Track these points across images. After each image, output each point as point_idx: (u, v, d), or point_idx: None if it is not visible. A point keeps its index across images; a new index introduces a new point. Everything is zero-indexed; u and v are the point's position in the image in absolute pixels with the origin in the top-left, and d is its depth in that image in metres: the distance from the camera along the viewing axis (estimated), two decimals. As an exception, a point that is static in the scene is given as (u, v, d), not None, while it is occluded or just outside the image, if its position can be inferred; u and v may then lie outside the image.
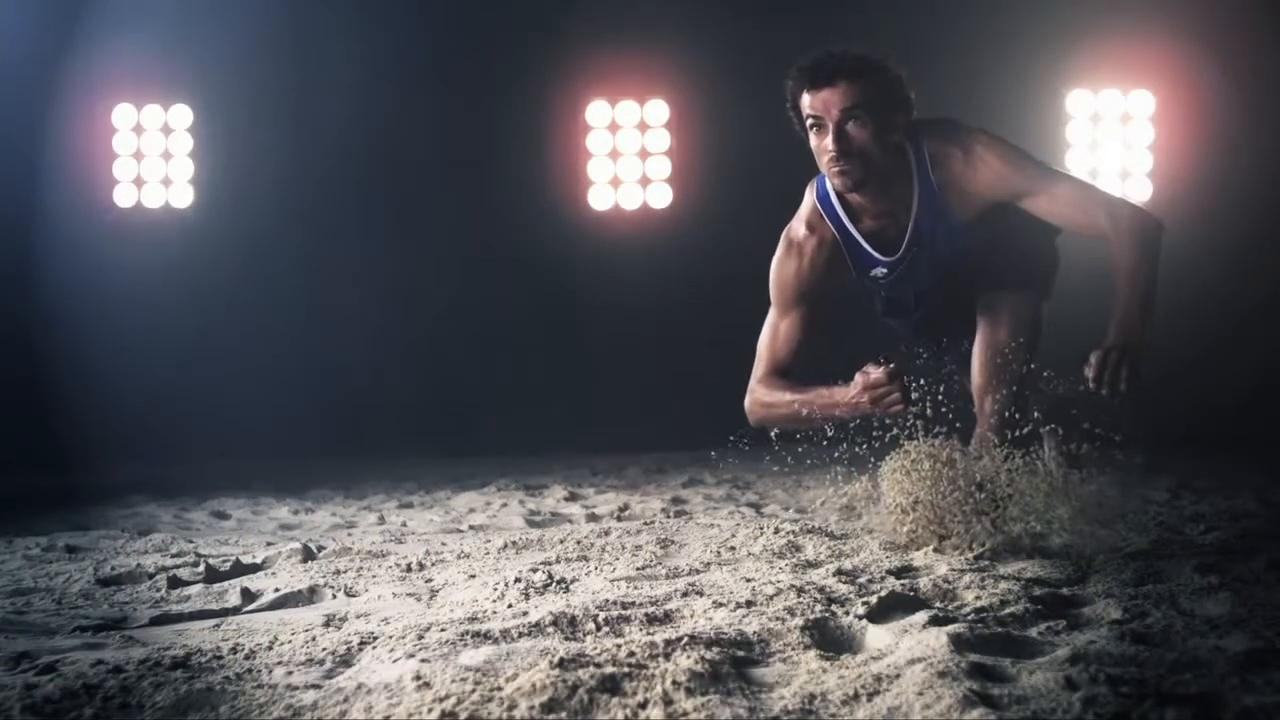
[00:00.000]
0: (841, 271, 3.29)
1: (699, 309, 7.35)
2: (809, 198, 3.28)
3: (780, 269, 3.30)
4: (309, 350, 7.38)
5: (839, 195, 3.18)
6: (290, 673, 2.06)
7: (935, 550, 3.05)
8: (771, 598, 2.52)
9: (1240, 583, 2.69)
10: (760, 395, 3.29)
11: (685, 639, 2.11)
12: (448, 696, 1.80)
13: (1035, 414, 3.42)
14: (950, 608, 2.43)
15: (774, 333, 3.32)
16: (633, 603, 2.52)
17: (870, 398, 2.93)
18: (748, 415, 3.34)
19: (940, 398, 3.11)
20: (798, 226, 3.28)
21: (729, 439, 3.52)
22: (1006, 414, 3.23)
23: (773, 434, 3.34)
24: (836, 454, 3.23)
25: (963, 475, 3.06)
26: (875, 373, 2.90)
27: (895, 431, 3.12)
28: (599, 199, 7.68)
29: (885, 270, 3.26)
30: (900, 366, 2.90)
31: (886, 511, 3.20)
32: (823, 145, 3.04)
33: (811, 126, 3.06)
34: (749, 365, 3.41)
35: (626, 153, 7.65)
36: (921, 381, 3.10)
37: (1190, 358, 6.74)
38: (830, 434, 3.18)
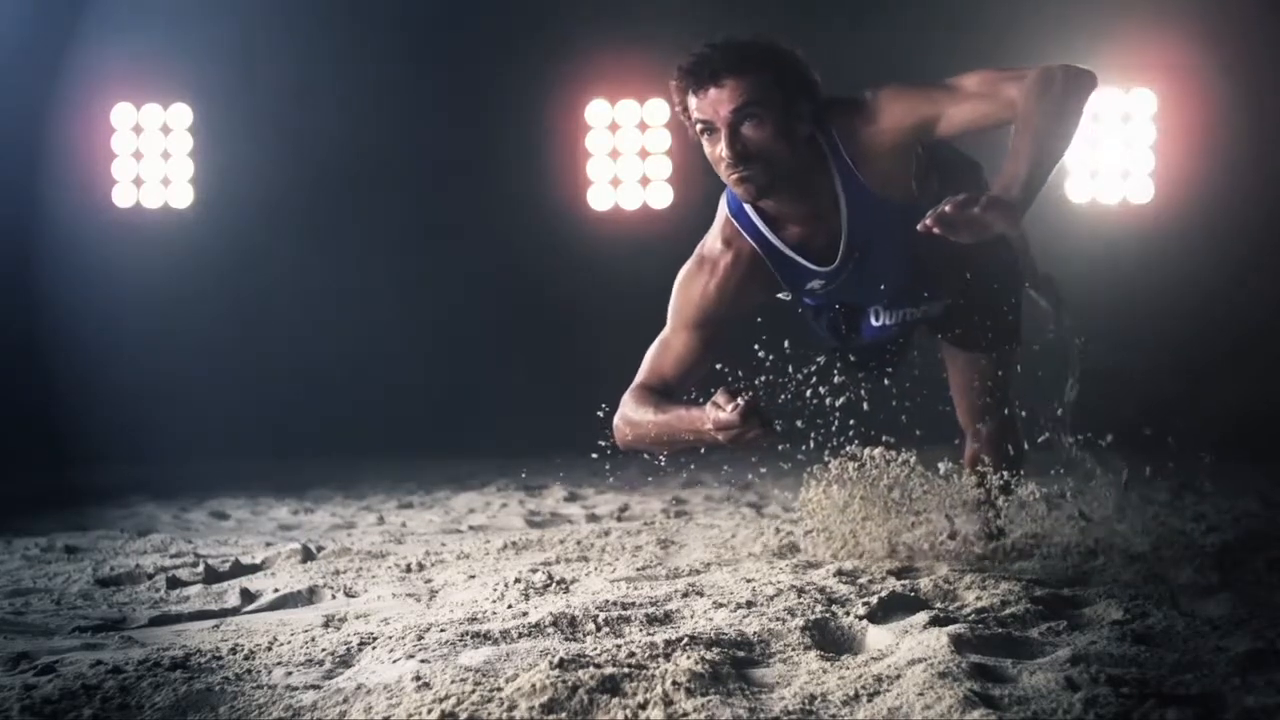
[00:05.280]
0: (759, 292, 2.89)
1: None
2: (721, 210, 2.88)
3: (686, 286, 2.87)
4: (308, 350, 7.36)
5: (752, 204, 2.79)
6: (290, 673, 2.06)
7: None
8: (772, 598, 2.52)
9: (1242, 583, 2.69)
10: (627, 411, 2.82)
11: (685, 639, 2.11)
12: (447, 697, 1.80)
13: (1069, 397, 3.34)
14: (951, 608, 2.43)
15: (663, 348, 2.88)
16: (633, 603, 2.52)
17: (725, 437, 2.47)
18: (614, 434, 2.87)
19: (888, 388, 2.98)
20: (712, 242, 2.87)
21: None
22: (996, 430, 3.18)
23: (606, 467, 3.04)
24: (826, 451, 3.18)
25: (920, 499, 2.98)
26: (725, 412, 2.42)
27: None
28: (599, 199, 7.67)
29: (822, 282, 2.84)
30: (753, 401, 2.41)
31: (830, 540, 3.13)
32: (716, 153, 2.64)
33: (702, 132, 2.66)
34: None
35: (626, 153, 7.65)
36: (809, 392, 2.91)
37: (1193, 357, 6.74)
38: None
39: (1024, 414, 3.27)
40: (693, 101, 2.64)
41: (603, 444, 2.95)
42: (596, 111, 7.62)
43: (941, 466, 3.19)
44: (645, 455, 2.93)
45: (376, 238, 7.56)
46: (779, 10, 6.93)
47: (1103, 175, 7.35)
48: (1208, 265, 6.95)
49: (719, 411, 2.43)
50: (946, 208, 2.32)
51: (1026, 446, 3.28)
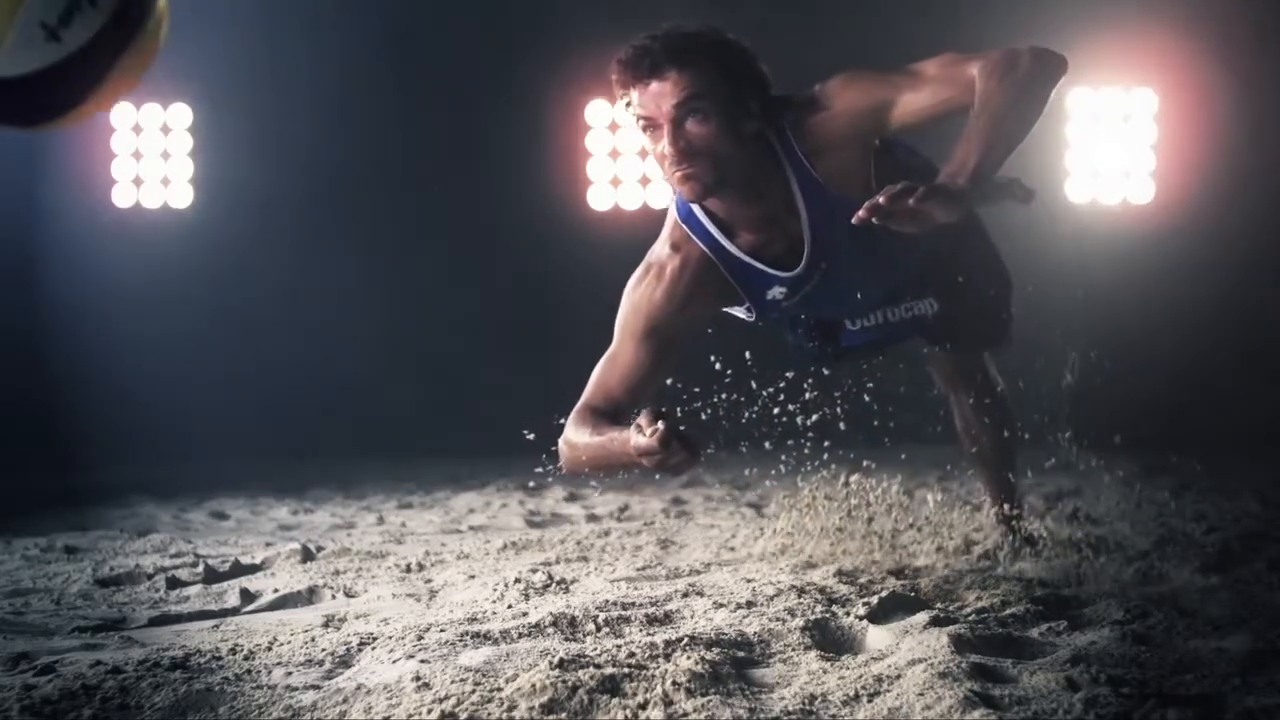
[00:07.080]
0: (712, 300, 2.71)
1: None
2: (670, 214, 2.72)
3: (633, 295, 2.71)
4: (308, 350, 7.36)
5: (702, 207, 2.62)
6: (289, 673, 2.06)
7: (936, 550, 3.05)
8: (772, 598, 2.52)
9: (1242, 583, 2.69)
10: (568, 432, 2.61)
11: (685, 639, 2.11)
12: (447, 697, 1.80)
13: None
14: (951, 608, 2.43)
15: (610, 363, 2.69)
16: (633, 603, 2.52)
17: (649, 462, 2.21)
18: (560, 457, 2.67)
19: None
20: (660, 248, 2.71)
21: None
22: (983, 392, 3.13)
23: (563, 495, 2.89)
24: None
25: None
26: (645, 439, 2.15)
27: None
28: (599, 199, 7.67)
29: (785, 289, 2.66)
30: (673, 426, 2.14)
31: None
32: (659, 150, 2.48)
33: (645, 129, 2.49)
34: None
35: (626, 153, 7.64)
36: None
37: (1195, 357, 6.73)
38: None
39: (1026, 436, 3.23)
40: (635, 96, 2.48)
41: (539, 470, 2.82)
42: (596, 111, 7.61)
43: (930, 498, 3.18)
44: (592, 482, 2.80)
45: (376, 238, 7.56)
46: (777, 9, 6.94)
47: (1103, 175, 7.33)
48: (1209, 265, 6.94)
49: (640, 436, 2.16)
50: (880, 198, 2.17)
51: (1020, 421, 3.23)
